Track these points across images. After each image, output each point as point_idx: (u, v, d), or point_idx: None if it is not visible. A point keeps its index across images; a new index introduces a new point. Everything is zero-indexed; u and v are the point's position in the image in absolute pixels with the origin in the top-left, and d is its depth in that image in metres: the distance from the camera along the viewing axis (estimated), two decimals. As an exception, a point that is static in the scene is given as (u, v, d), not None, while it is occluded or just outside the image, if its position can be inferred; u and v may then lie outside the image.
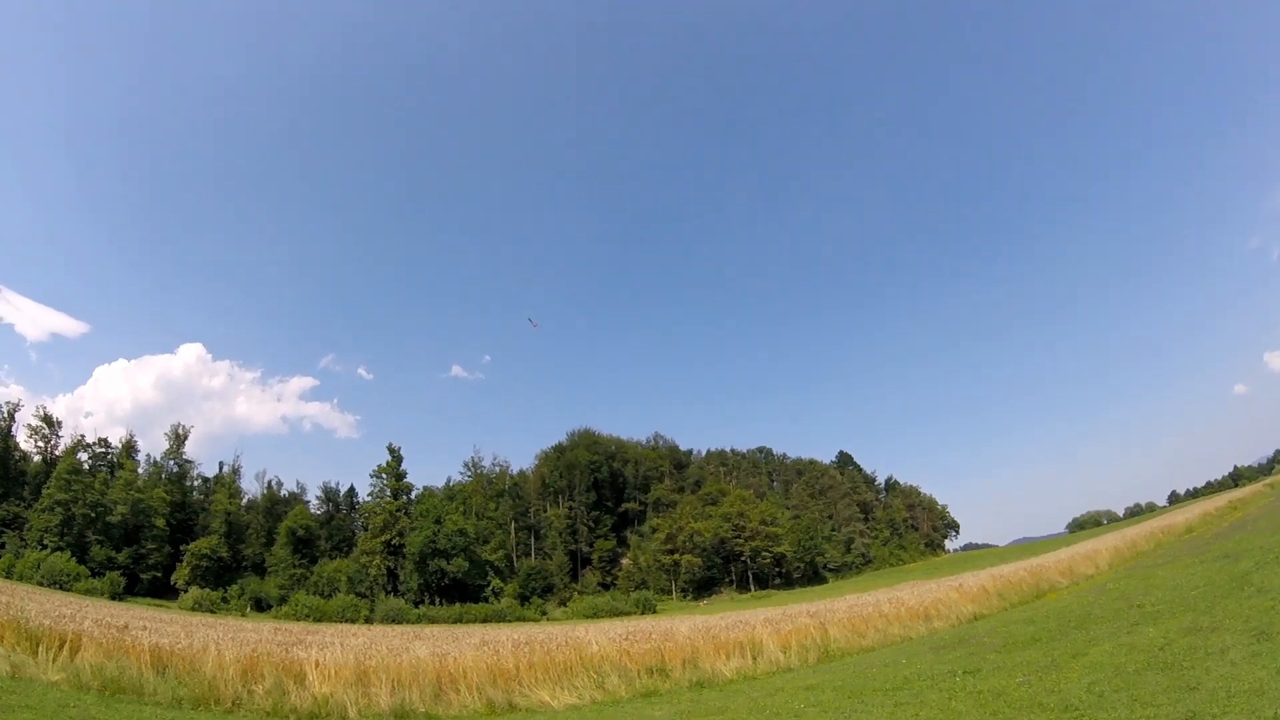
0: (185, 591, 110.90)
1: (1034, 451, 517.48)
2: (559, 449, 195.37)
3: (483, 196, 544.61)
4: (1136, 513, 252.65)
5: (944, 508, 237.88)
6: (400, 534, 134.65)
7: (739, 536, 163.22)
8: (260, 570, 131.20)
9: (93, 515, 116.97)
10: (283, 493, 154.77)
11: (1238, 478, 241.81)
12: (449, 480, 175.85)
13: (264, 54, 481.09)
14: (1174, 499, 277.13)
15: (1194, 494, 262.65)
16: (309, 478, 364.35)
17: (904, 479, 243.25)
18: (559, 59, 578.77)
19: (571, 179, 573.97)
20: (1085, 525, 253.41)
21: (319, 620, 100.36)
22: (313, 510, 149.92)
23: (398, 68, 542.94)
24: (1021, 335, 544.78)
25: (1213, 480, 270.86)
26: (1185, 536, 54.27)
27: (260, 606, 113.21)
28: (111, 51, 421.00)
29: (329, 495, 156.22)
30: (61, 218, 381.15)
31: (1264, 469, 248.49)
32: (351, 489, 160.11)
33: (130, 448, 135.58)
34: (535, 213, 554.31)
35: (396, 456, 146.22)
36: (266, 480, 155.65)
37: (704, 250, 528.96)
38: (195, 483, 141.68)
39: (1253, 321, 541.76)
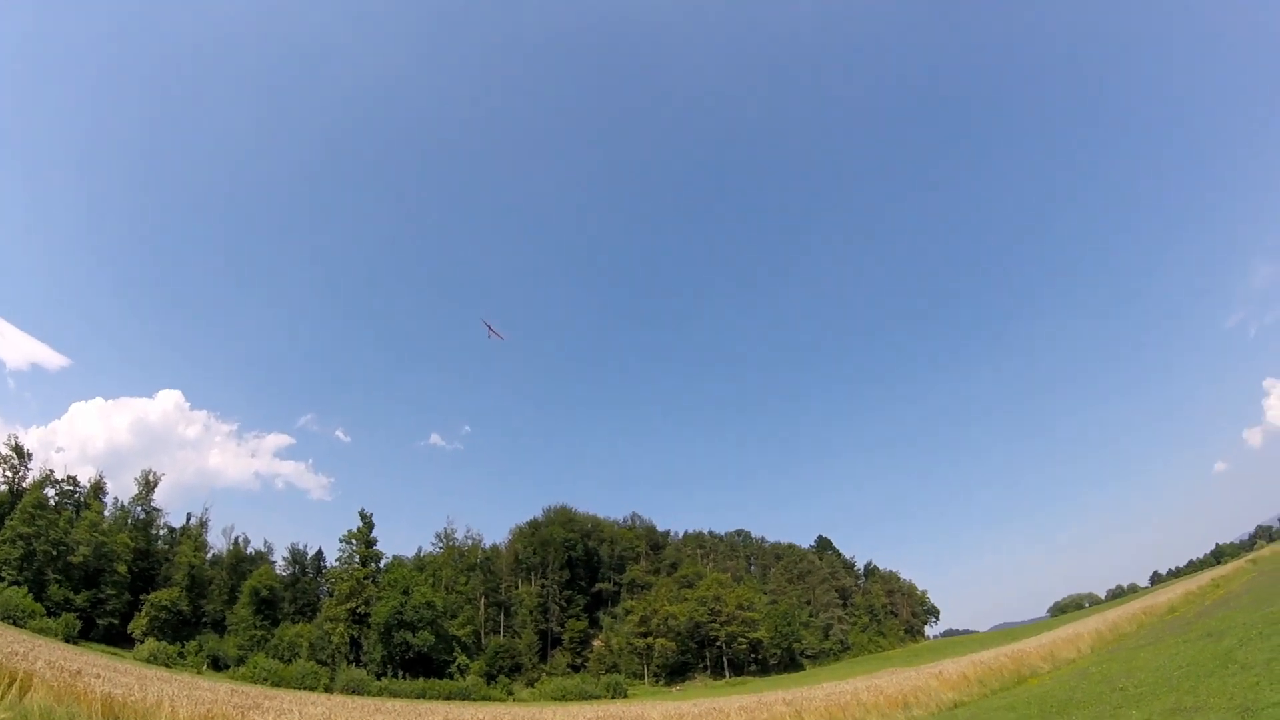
0: (142, 642, 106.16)
1: (1015, 536, 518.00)
2: (534, 525, 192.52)
3: (470, 270, 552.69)
4: (1119, 594, 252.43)
5: (924, 593, 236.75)
6: (366, 602, 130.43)
7: (714, 620, 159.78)
8: (220, 628, 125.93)
9: (54, 553, 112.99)
10: (249, 550, 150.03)
11: (1220, 555, 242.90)
12: (420, 550, 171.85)
13: (271, 116, 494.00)
14: (1156, 579, 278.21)
15: (1176, 573, 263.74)
16: (277, 537, 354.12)
17: (884, 564, 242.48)
18: (545, 133, 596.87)
19: (560, 258, 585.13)
20: (1067, 609, 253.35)
21: (277, 685, 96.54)
22: (278, 571, 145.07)
23: (395, 139, 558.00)
24: (1003, 420, 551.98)
25: (1195, 559, 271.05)
26: (1168, 616, 54.82)
27: (217, 665, 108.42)
28: (117, 88, 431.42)
29: (296, 557, 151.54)
30: (57, 250, 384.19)
31: (1246, 545, 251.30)
32: (319, 552, 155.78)
33: (99, 488, 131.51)
34: (523, 288, 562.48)
35: (368, 523, 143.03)
36: (234, 536, 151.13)
37: (687, 334, 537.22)
38: (161, 531, 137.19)
39: (1231, 398, 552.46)
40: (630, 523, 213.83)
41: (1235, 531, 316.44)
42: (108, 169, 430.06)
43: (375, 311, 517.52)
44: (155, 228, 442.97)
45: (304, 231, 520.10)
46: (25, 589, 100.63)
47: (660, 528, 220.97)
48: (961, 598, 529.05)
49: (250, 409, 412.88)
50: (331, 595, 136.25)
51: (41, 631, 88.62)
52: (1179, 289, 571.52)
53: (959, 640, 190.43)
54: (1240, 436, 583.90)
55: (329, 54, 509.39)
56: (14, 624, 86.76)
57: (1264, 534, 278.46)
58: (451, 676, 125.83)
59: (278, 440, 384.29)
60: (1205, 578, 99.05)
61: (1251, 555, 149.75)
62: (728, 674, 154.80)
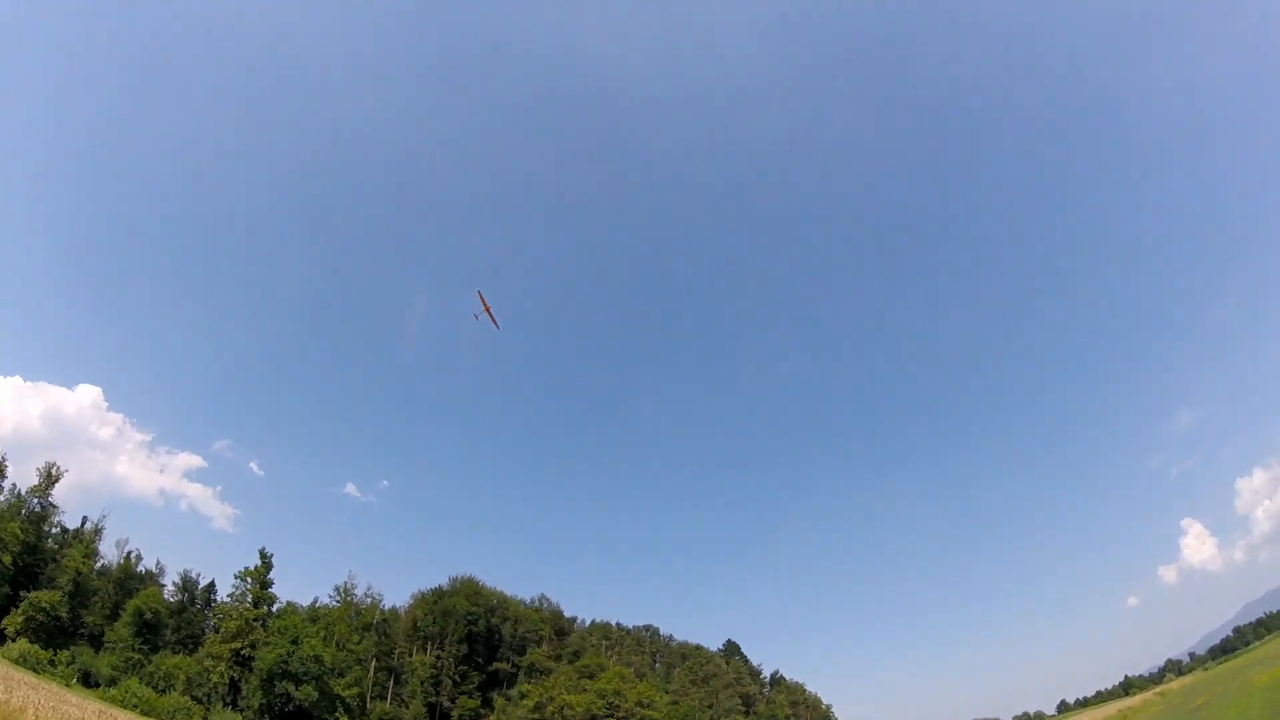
0: (14, 640, 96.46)
1: (925, 655, 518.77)
2: (438, 593, 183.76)
3: (404, 330, 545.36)
4: None
5: (829, 708, 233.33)
6: (253, 645, 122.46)
7: (613, 715, 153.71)
8: (97, 643, 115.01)
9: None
10: (140, 568, 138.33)
11: (1128, 687, 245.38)
12: (315, 601, 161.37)
13: (243, 129, 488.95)
14: (1063, 707, 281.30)
15: (1084, 703, 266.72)
16: (170, 559, 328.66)
17: (791, 675, 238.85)
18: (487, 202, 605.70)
19: (495, 336, 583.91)
20: None
21: (147, 714, 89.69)
22: (166, 596, 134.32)
23: (349, 173, 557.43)
24: (922, 541, 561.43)
25: (1103, 689, 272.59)
26: None
27: (88, 681, 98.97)
28: (54, 89, 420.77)
29: (187, 584, 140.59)
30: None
31: (1155, 678, 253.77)
32: (212, 584, 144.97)
33: None
34: (459, 359, 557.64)
35: (267, 563, 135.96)
36: (126, 550, 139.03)
37: (617, 426, 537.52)
38: (54, 530, 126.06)
39: (1149, 536, 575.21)
40: (537, 604, 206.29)
41: (1145, 665, 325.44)
42: (63, 152, 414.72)
43: (311, 350, 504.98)
44: (107, 221, 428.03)
45: (255, 256, 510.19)
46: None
47: (567, 613, 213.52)
48: (867, 712, 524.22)
49: (168, 422, 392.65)
50: (217, 631, 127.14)
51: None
52: (1104, 430, 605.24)
53: None
54: (1155, 573, 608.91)
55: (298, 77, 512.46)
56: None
57: (1174, 668, 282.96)
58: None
59: (190, 460, 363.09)
60: (1113, 708, 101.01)
61: (1160, 688, 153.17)
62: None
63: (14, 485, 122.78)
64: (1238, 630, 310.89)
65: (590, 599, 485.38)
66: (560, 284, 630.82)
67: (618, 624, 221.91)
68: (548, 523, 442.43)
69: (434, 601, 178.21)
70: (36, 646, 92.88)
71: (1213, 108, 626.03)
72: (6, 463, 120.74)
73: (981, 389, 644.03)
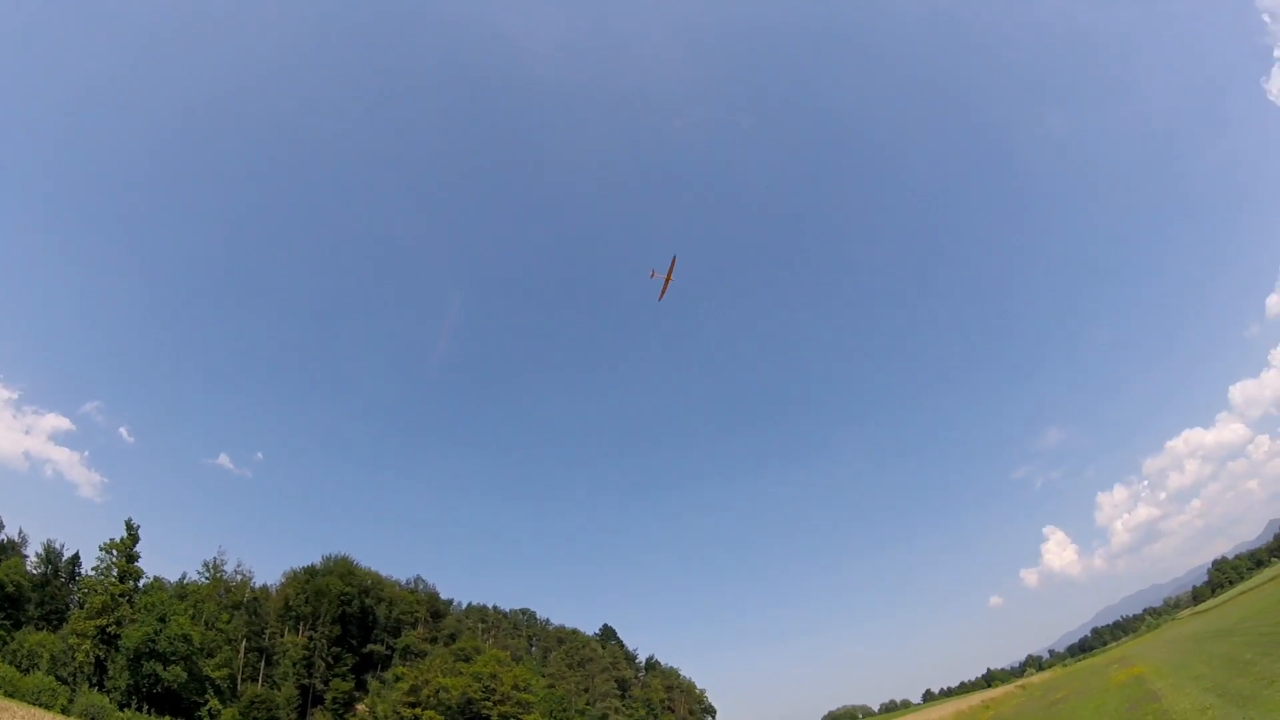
0: None
1: (796, 645, 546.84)
2: (310, 571, 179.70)
3: (297, 298, 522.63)
4: (891, 708, 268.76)
5: (702, 692, 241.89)
6: (119, 623, 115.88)
7: (489, 699, 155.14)
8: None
9: None
10: (1, 536, 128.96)
11: (991, 679, 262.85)
12: (184, 576, 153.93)
13: (109, 97, 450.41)
14: (929, 696, 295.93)
15: (948, 692, 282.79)
16: (33, 528, 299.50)
17: (665, 660, 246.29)
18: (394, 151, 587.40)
19: (386, 311, 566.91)
20: (840, 718, 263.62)
21: (10, 695, 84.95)
22: (29, 568, 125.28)
23: (242, 135, 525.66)
24: (794, 540, 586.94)
25: (966, 681, 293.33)
26: None
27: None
28: None
29: (50, 556, 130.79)
30: None
31: (1016, 672, 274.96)
32: (76, 556, 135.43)
33: None
34: (341, 330, 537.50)
35: (133, 535, 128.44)
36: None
37: (494, 406, 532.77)
38: None
39: (1012, 541, 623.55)
40: (413, 585, 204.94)
41: (1007, 659, 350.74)
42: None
43: (190, 311, 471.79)
44: None
45: (133, 206, 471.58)
46: None
47: (444, 595, 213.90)
48: (740, 699, 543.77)
49: (36, 378, 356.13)
50: (82, 607, 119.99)
51: None
52: (977, 440, 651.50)
53: None
54: (1018, 576, 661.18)
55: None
56: None
57: (1034, 663, 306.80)
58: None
59: (57, 422, 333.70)
60: (976, 699, 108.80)
61: (1021, 681, 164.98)
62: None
63: None
64: (1095, 631, 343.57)
65: (467, 582, 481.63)
66: (446, 263, 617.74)
67: (494, 607, 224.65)
68: (424, 505, 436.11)
69: (306, 580, 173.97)
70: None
71: (1092, 142, 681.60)
72: None
73: (862, 394, 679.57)
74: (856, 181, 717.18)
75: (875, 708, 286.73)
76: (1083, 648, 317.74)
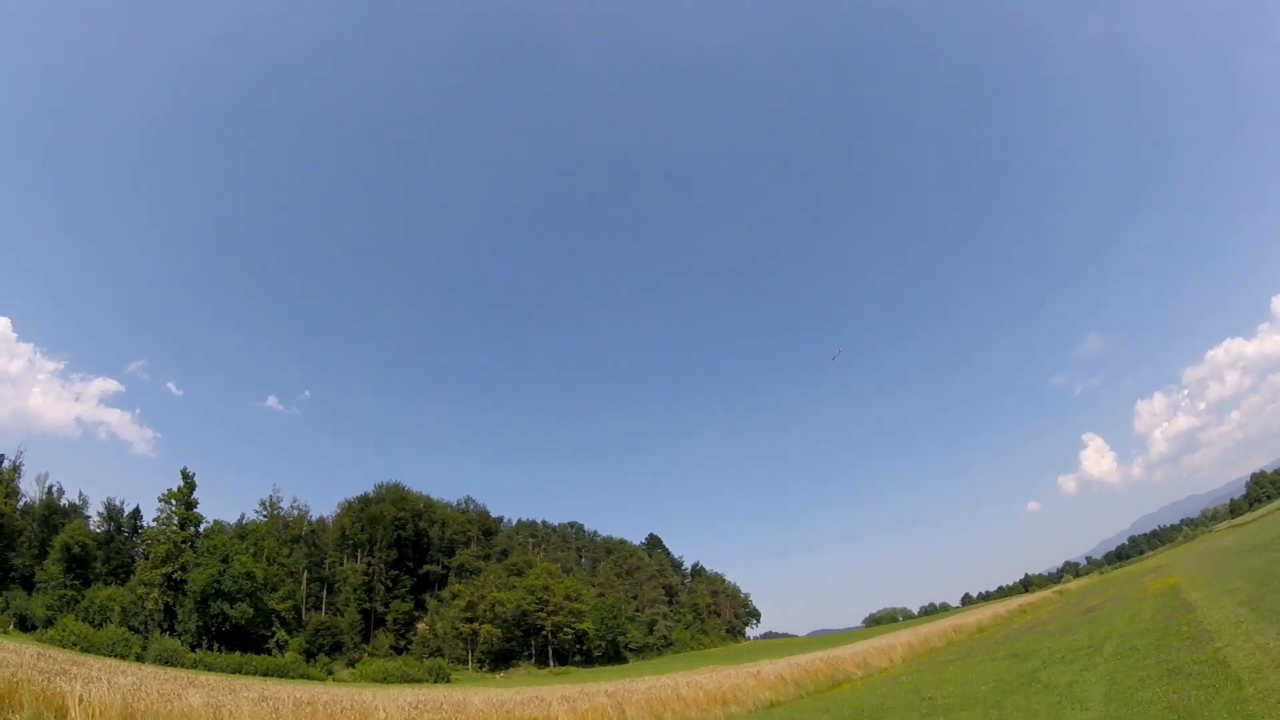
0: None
1: (837, 550, 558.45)
2: (364, 500, 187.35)
3: (331, 233, 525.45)
4: (931, 611, 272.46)
5: (746, 596, 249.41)
6: (183, 568, 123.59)
7: (542, 610, 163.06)
8: (29, 585, 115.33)
9: None
10: (63, 502, 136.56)
11: (1028, 584, 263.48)
12: (243, 517, 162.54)
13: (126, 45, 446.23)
14: (967, 601, 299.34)
15: (986, 597, 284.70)
16: (93, 490, 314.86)
17: (710, 566, 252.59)
18: (406, 113, 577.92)
19: (417, 239, 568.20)
20: (881, 621, 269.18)
21: (86, 650, 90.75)
22: (92, 527, 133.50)
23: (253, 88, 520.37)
24: (834, 446, 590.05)
25: (1004, 585, 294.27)
26: (977, 635, 58.66)
27: (24, 626, 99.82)
28: None
29: (112, 513, 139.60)
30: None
31: (1054, 578, 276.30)
32: (137, 510, 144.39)
33: None
34: (377, 264, 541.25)
35: (190, 483, 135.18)
36: (48, 485, 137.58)
37: (535, 324, 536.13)
38: None
39: (1050, 448, 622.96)
40: (463, 506, 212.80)
41: (1044, 565, 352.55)
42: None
43: (225, 260, 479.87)
44: None
45: (159, 164, 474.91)
46: None
47: (494, 514, 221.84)
48: (782, 603, 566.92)
49: (80, 347, 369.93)
50: (147, 558, 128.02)
51: None
52: (1018, 347, 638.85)
53: (778, 643, 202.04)
54: (1055, 482, 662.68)
55: None
56: None
57: (1071, 570, 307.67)
58: (270, 652, 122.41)
59: (105, 385, 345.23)
60: (1014, 603, 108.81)
61: (1059, 587, 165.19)
62: (552, 663, 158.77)
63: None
64: (1132, 540, 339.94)
65: (516, 499, 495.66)
66: (480, 186, 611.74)
67: (543, 522, 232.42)
68: (471, 426, 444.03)
69: (361, 509, 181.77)
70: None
71: (1136, 46, 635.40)
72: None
73: (902, 300, 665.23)
74: (890, 85, 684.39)
75: (915, 611, 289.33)
76: (1119, 556, 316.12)
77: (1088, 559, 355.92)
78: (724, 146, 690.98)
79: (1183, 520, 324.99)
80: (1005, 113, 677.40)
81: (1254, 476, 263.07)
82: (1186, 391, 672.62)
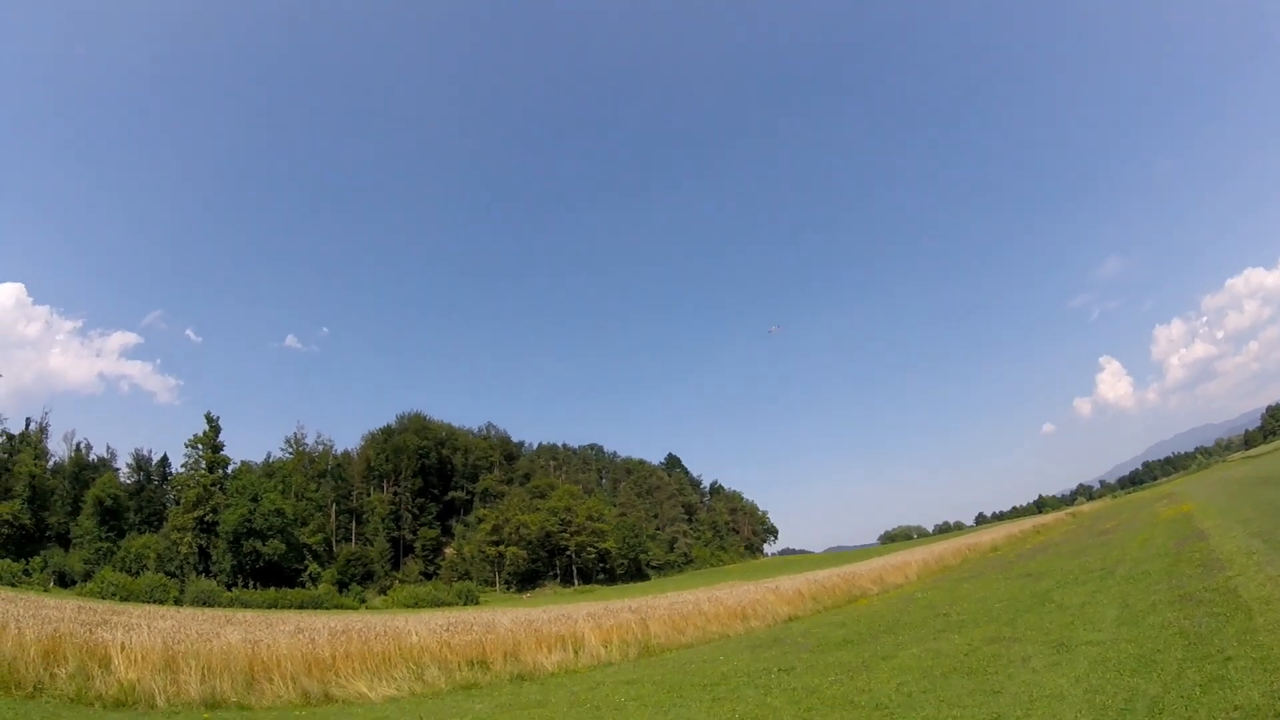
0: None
1: (853, 467, 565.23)
2: (387, 431, 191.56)
3: (338, 166, 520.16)
4: (945, 530, 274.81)
5: (764, 514, 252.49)
6: (214, 510, 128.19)
7: (565, 531, 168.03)
8: (65, 542, 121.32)
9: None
10: (91, 457, 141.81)
11: (1042, 505, 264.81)
12: (269, 456, 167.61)
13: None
14: (981, 520, 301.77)
15: (1000, 517, 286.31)
16: (120, 443, 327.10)
17: (728, 484, 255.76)
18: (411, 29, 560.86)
19: (425, 159, 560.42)
20: (896, 538, 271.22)
21: (125, 599, 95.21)
22: (122, 479, 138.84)
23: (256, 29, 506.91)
24: (852, 358, 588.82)
25: (1019, 506, 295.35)
26: (991, 555, 58.39)
27: (64, 582, 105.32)
28: None
29: (141, 464, 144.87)
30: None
31: (1067, 500, 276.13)
32: (165, 458, 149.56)
33: None
34: (385, 189, 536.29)
35: (214, 427, 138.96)
36: (75, 442, 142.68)
37: (548, 246, 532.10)
38: None
39: (1066, 370, 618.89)
40: (485, 432, 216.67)
41: (1058, 487, 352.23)
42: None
43: (232, 203, 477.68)
44: None
45: (156, 115, 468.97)
46: None
47: (515, 438, 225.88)
48: (800, 520, 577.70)
49: (95, 304, 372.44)
50: (178, 504, 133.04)
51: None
52: (1035, 268, 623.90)
53: (795, 559, 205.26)
54: (1071, 404, 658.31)
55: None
56: None
57: (1085, 492, 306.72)
58: (303, 585, 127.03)
59: (124, 339, 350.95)
60: (1028, 524, 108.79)
61: (1072, 509, 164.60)
62: (576, 582, 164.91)
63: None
64: (1146, 465, 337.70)
65: (536, 424, 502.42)
66: (496, 102, 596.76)
67: (564, 445, 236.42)
68: (489, 352, 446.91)
69: (384, 440, 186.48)
70: (7, 560, 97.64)
71: None
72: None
73: (919, 215, 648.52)
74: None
75: (930, 529, 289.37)
76: (1133, 480, 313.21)
77: (1101, 482, 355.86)
78: (761, 43, 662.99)
79: (1197, 448, 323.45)
80: (1029, 21, 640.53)
81: (1270, 409, 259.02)
82: (1205, 319, 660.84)
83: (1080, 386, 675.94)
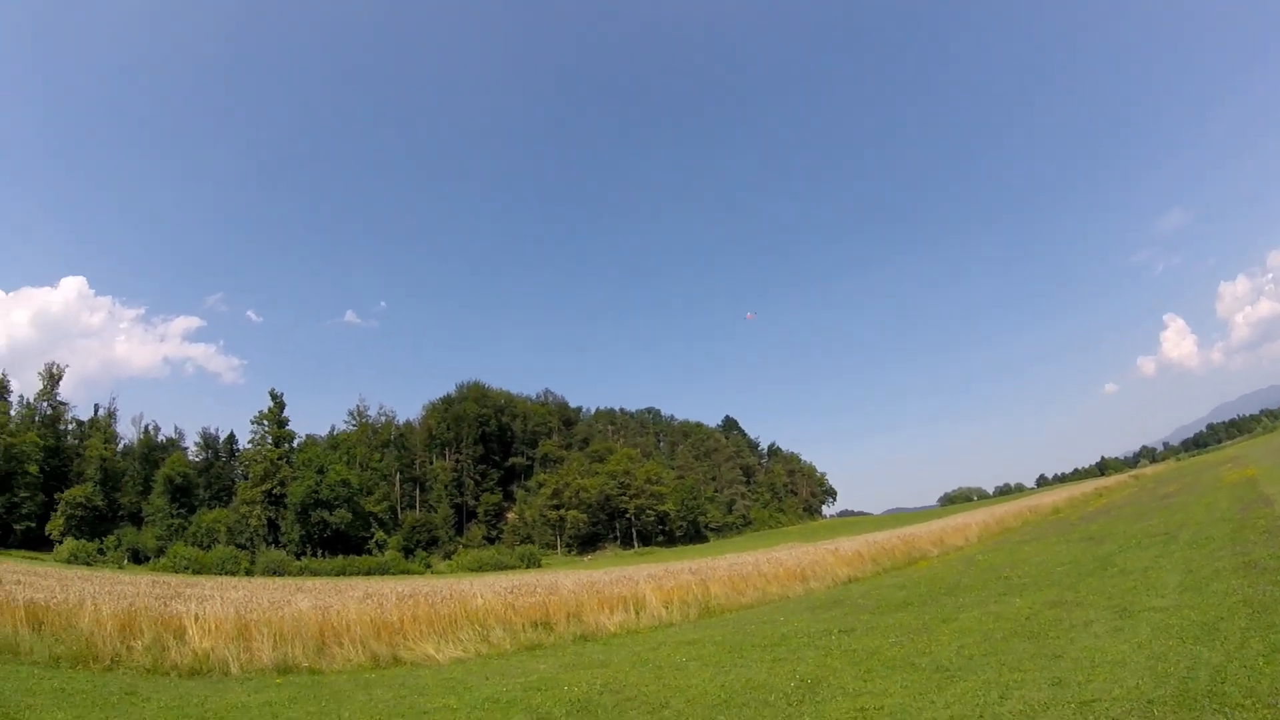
0: (60, 543, 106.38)
1: (911, 428, 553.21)
2: (447, 401, 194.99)
3: (392, 142, 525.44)
4: (1005, 492, 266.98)
5: (823, 475, 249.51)
6: (281, 484, 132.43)
7: (624, 494, 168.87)
8: (137, 520, 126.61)
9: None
10: (160, 438, 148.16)
11: (1104, 467, 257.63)
12: (333, 429, 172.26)
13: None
14: (1042, 482, 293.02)
15: (1061, 479, 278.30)
16: (187, 423, 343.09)
17: (786, 446, 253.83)
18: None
19: (490, 136, 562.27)
20: (956, 500, 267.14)
21: (198, 573, 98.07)
22: (190, 457, 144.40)
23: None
24: (911, 327, 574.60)
25: (1080, 468, 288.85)
26: (1052, 517, 57.02)
27: (137, 559, 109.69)
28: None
29: (208, 442, 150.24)
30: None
31: (1129, 462, 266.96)
32: (231, 435, 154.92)
33: (2, 388, 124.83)
34: (441, 164, 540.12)
35: (279, 402, 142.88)
36: (143, 424, 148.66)
37: (604, 215, 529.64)
38: (69, 426, 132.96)
39: (1129, 328, 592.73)
40: (543, 399, 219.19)
41: (1120, 449, 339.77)
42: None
43: (288, 185, 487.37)
44: (49, 103, 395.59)
45: (213, 100, 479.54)
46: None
47: (572, 404, 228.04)
48: (858, 481, 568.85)
49: (157, 291, 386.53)
50: (246, 478, 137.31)
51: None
52: (1097, 222, 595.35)
53: (854, 521, 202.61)
54: (1134, 363, 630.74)
55: None
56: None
57: (1148, 454, 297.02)
58: (370, 552, 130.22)
59: (186, 323, 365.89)
60: (1089, 486, 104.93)
61: (1135, 472, 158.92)
62: (636, 545, 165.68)
63: (21, 396, 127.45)
64: (1210, 428, 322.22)
65: (593, 388, 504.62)
66: (550, 84, 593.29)
67: (621, 409, 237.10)
68: (545, 319, 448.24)
69: (445, 409, 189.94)
70: (83, 541, 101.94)
71: None
72: (9, 378, 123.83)
73: (980, 173, 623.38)
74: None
75: (990, 491, 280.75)
76: (1196, 443, 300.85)
77: (1164, 445, 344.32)
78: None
79: (1262, 411, 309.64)
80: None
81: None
82: (1270, 276, 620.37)
83: (1144, 345, 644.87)
